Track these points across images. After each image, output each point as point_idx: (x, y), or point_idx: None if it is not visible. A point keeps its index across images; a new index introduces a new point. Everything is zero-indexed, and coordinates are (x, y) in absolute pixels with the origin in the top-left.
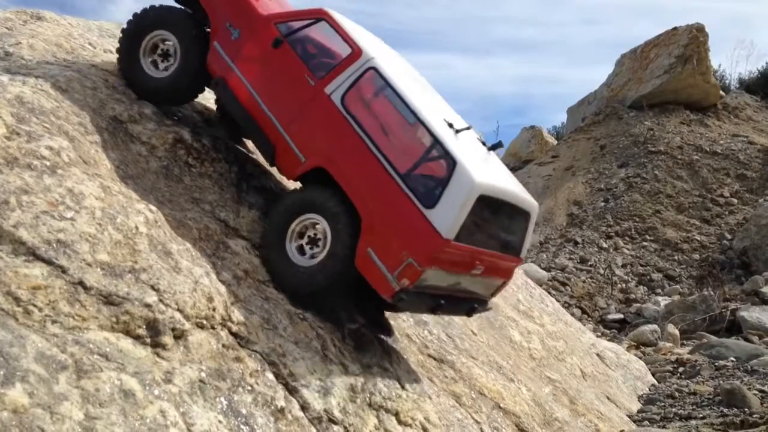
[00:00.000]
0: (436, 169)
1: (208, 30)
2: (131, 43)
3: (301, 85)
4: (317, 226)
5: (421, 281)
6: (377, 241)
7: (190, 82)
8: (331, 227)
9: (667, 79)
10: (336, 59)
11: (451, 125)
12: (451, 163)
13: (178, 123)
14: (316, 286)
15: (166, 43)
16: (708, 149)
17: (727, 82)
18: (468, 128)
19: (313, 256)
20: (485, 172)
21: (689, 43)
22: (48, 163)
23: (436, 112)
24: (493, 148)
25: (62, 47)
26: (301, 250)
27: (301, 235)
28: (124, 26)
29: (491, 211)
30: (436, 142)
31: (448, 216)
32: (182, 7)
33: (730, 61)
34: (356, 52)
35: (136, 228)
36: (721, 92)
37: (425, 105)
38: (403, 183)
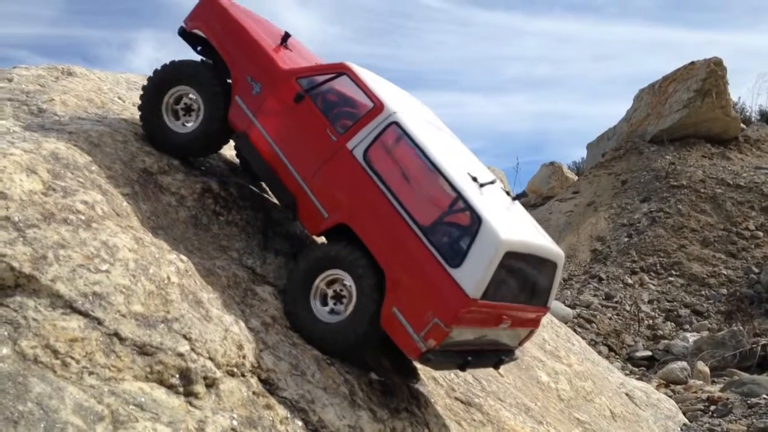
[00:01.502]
0: (461, 226)
1: (229, 81)
2: (153, 99)
3: (323, 141)
4: (343, 283)
5: (447, 340)
6: (402, 300)
7: (214, 136)
8: (357, 284)
9: (686, 113)
10: (358, 114)
11: (475, 179)
12: (477, 220)
13: (206, 173)
14: (341, 344)
15: (189, 97)
16: (731, 182)
17: (747, 114)
18: (492, 182)
19: (338, 312)
20: (510, 226)
21: (707, 77)
22: (83, 217)
23: (459, 166)
24: (518, 197)
25: (93, 102)
26: (325, 305)
27: (325, 291)
28: (146, 82)
29: (518, 265)
30: (461, 198)
31: (474, 275)
32: (202, 62)
33: (751, 93)
34: (378, 106)
35: (168, 278)
36: (742, 125)
37: (449, 159)
38: (428, 241)
